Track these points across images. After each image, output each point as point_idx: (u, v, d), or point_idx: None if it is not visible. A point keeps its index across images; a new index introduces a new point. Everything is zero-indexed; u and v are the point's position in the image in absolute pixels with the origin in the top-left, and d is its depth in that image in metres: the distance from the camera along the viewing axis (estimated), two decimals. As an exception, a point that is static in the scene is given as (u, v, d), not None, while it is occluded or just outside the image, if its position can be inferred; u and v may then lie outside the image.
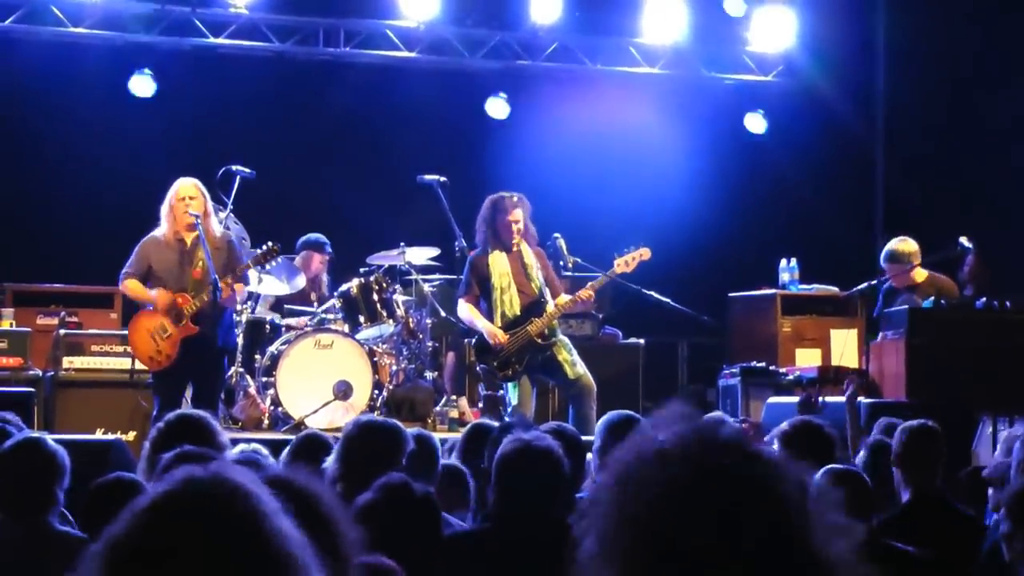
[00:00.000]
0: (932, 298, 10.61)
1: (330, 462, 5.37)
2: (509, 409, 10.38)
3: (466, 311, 10.47)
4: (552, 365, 10.32)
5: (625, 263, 10.55)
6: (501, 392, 10.69)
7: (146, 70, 13.52)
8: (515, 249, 10.42)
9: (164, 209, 9.68)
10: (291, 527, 1.93)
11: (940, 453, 6.17)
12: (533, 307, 10.36)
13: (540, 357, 10.30)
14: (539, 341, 10.29)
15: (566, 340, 10.47)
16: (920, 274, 10.93)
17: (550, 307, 10.39)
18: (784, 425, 6.23)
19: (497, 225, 10.37)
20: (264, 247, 10.07)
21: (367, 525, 3.96)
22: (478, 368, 10.58)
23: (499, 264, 10.36)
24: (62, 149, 13.48)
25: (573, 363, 10.29)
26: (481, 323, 10.32)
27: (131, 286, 9.74)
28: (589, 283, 10.69)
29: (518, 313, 10.31)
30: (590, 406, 10.10)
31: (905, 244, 11.00)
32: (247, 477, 1.95)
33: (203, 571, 1.80)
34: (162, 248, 9.66)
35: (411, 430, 5.82)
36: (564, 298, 10.54)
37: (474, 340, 10.49)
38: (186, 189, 9.66)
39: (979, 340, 10.08)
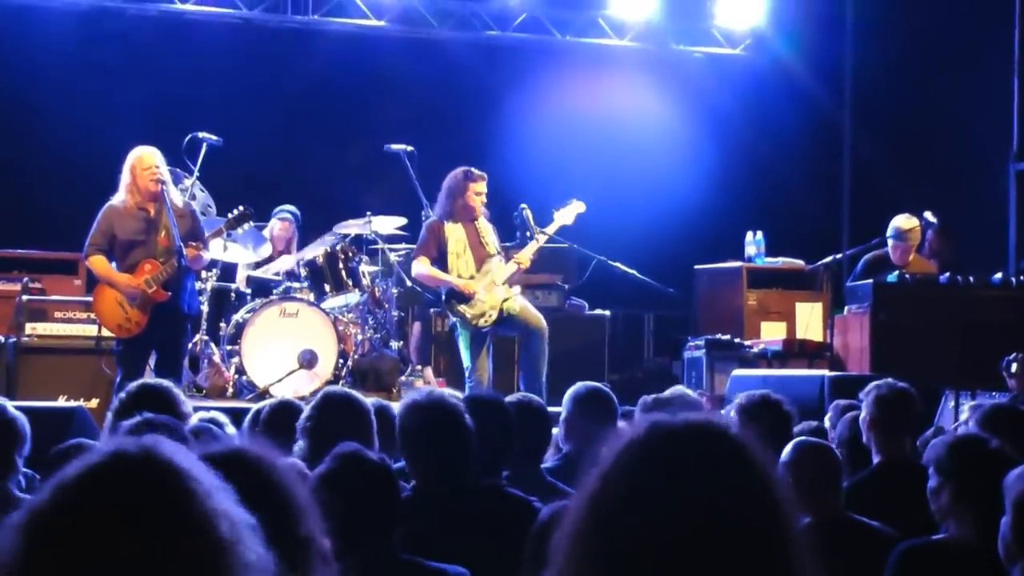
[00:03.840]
0: (897, 272, 10.69)
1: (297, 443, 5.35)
2: (467, 373, 10.42)
3: (423, 267, 10.46)
4: (510, 315, 10.44)
5: (562, 216, 10.70)
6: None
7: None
8: (475, 222, 10.49)
9: (125, 178, 9.50)
10: (230, 507, 1.85)
11: (913, 417, 6.20)
12: (490, 262, 10.47)
13: (504, 306, 10.39)
14: (503, 285, 10.44)
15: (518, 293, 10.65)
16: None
17: (510, 263, 10.54)
18: (741, 398, 6.26)
19: (466, 198, 10.40)
20: (236, 211, 9.98)
21: (324, 496, 3.97)
22: (453, 319, 10.57)
23: (455, 232, 10.42)
24: (26, 115, 13.37)
25: (527, 307, 10.48)
26: (448, 278, 10.36)
27: (98, 265, 9.55)
28: (527, 245, 10.71)
29: (474, 274, 10.38)
30: (540, 348, 10.29)
31: (910, 222, 11.16)
32: (182, 453, 1.87)
33: (126, 547, 1.73)
34: (125, 218, 9.51)
35: (371, 400, 5.81)
36: (523, 257, 10.60)
37: (444, 293, 10.49)
38: (150, 158, 9.49)
39: (943, 315, 10.16)
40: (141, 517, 1.74)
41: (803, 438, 5.32)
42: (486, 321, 10.35)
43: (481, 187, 10.48)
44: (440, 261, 10.42)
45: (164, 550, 1.74)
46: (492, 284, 10.38)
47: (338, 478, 4.06)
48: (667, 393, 7.31)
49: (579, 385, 6.51)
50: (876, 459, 6.10)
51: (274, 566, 1.90)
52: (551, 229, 10.73)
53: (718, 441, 1.97)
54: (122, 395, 5.48)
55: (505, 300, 10.37)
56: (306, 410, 5.53)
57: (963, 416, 7.20)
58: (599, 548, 1.92)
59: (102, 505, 1.74)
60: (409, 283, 12.12)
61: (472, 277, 10.38)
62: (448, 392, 5.55)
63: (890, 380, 6.48)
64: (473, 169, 10.54)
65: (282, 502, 2.53)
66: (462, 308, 10.33)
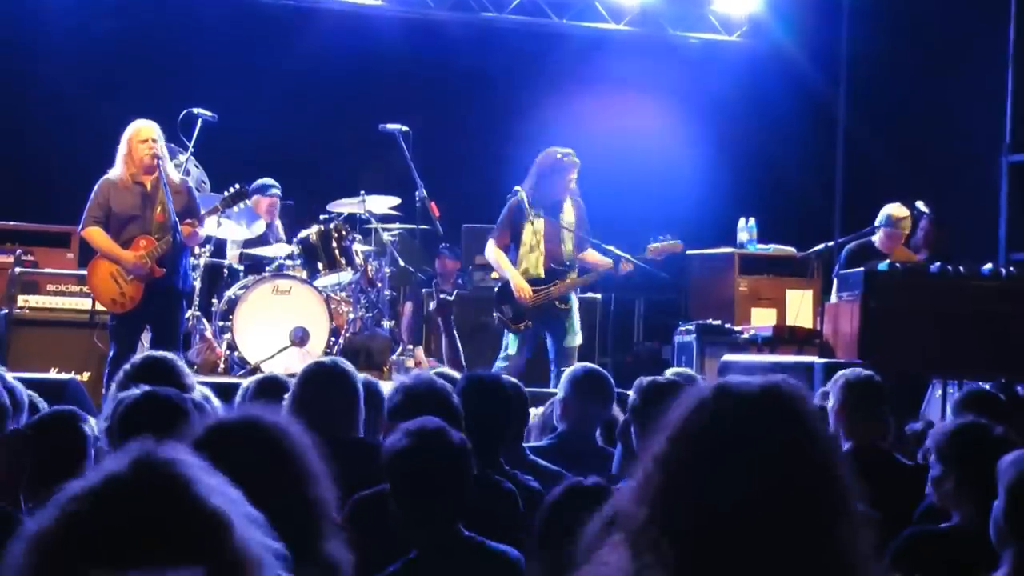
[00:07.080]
0: (888, 261, 10.72)
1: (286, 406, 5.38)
2: (503, 354, 10.49)
3: (494, 253, 10.51)
4: (557, 323, 10.49)
5: (654, 250, 10.80)
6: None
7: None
8: (562, 205, 10.49)
9: (122, 150, 9.51)
10: (249, 514, 1.79)
11: (881, 403, 6.24)
12: (558, 271, 10.49)
13: (551, 316, 10.43)
14: (558, 305, 10.46)
15: (575, 304, 10.63)
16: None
17: (572, 275, 10.57)
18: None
19: (556, 185, 10.46)
20: (232, 189, 9.98)
21: (401, 470, 4.04)
22: (493, 315, 10.59)
23: (536, 223, 10.42)
24: (18, 88, 13.37)
25: (575, 332, 10.51)
26: (510, 272, 10.40)
27: (96, 236, 9.50)
28: (620, 261, 10.75)
29: (541, 275, 10.42)
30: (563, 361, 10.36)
31: (903, 211, 11.23)
32: (195, 460, 1.80)
33: (148, 559, 1.65)
34: (121, 191, 9.51)
35: (360, 377, 5.85)
36: (595, 257, 10.72)
37: (498, 285, 10.54)
38: (147, 131, 9.50)
39: (933, 304, 10.18)
40: (152, 536, 1.68)
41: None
42: (521, 328, 10.45)
43: (574, 174, 10.55)
44: (514, 246, 10.47)
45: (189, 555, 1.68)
46: (548, 296, 10.41)
47: (420, 453, 4.10)
48: (667, 374, 7.36)
49: (577, 366, 6.73)
50: (845, 446, 6.16)
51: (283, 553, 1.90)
52: (640, 257, 10.78)
53: (784, 407, 2.01)
54: (126, 367, 5.51)
55: (567, 309, 10.46)
56: (294, 383, 5.57)
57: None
58: (669, 508, 1.95)
59: (111, 525, 1.68)
60: (402, 263, 12.17)
61: (540, 277, 10.41)
62: (444, 371, 5.57)
63: (858, 369, 6.54)
64: (561, 152, 10.62)
65: (294, 467, 2.58)
66: (504, 307, 10.40)
